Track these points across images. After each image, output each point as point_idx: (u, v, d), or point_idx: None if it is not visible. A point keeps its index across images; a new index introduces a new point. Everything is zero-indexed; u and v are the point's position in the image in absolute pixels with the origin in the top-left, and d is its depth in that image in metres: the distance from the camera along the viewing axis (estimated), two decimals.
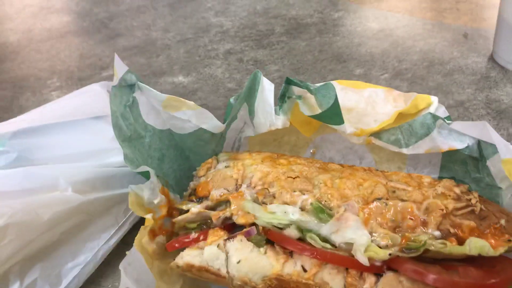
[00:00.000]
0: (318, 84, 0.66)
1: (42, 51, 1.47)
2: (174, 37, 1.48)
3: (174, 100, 0.70)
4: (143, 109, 0.72)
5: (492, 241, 0.55)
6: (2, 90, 1.29)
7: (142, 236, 0.65)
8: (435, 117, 0.66)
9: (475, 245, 0.53)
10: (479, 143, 0.66)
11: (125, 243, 0.76)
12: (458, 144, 0.67)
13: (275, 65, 1.27)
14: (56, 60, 1.42)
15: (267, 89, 0.73)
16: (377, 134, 0.72)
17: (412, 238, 0.56)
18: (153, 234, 0.70)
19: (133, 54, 1.41)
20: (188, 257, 0.62)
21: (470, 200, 0.61)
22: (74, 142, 0.74)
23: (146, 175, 0.66)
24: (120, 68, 0.67)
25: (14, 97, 1.25)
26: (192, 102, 0.69)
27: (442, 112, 0.71)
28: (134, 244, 0.63)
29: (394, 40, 1.35)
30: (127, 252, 0.61)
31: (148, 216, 0.66)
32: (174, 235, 0.73)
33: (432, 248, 0.55)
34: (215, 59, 1.33)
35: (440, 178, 0.73)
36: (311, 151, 0.87)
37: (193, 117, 0.72)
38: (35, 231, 0.63)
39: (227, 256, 0.60)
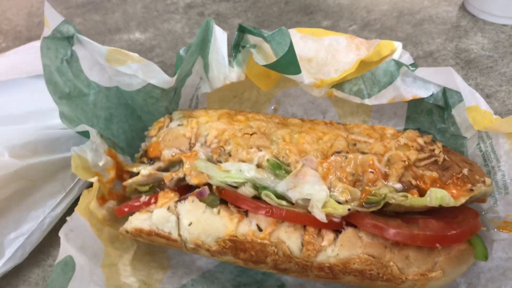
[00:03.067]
0: (272, 32, 0.61)
1: None
2: None
3: (117, 52, 0.64)
4: (85, 64, 0.65)
5: (454, 191, 0.53)
6: None
7: (87, 201, 0.61)
8: (398, 64, 0.62)
9: (436, 196, 0.50)
10: (444, 91, 0.63)
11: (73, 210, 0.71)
12: (423, 92, 0.64)
13: (239, 18, 1.20)
14: (2, 19, 1.31)
15: (219, 38, 0.67)
16: (339, 85, 0.67)
17: (373, 192, 0.53)
18: (102, 199, 0.66)
19: (87, 11, 1.31)
20: (137, 221, 0.58)
21: (433, 150, 0.58)
22: (11, 102, 0.68)
23: (87, 135, 0.60)
24: (52, 18, 0.60)
25: None
26: (136, 54, 0.63)
27: (407, 58, 0.67)
28: (75, 209, 0.58)
29: None
30: (67, 218, 0.56)
31: (93, 180, 0.61)
32: (126, 199, 0.69)
33: (392, 201, 0.52)
34: (174, 13, 1.25)
35: (406, 129, 0.69)
36: (273, 107, 0.82)
37: (139, 71, 0.66)
38: None
39: (178, 218, 0.57)
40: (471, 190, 0.52)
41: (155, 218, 0.57)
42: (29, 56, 0.78)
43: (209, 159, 0.61)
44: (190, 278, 0.63)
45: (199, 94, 0.78)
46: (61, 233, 0.54)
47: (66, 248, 0.54)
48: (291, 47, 0.58)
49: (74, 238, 0.56)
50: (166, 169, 0.64)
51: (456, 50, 1.02)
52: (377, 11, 1.19)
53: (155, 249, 0.66)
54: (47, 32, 0.60)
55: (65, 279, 0.53)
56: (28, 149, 0.64)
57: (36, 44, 0.82)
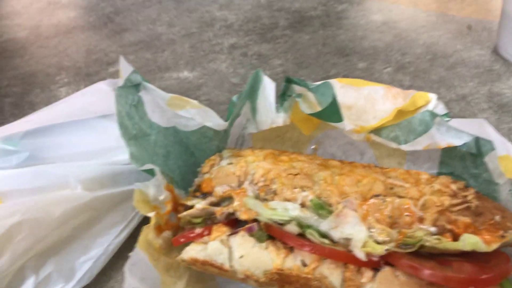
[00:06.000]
0: (317, 83, 0.68)
1: (49, 47, 1.50)
2: (179, 31, 1.49)
3: (178, 99, 0.72)
4: (148, 107, 0.74)
5: (486, 236, 0.57)
6: (13, 86, 1.32)
7: (146, 235, 0.68)
8: (433, 115, 0.67)
9: (469, 241, 0.55)
10: (477, 139, 0.68)
11: (134, 236, 0.78)
12: (456, 141, 0.69)
13: (279, 59, 1.28)
14: (63, 56, 1.44)
15: (268, 87, 0.75)
16: (376, 131, 0.73)
17: (409, 234, 0.58)
18: (159, 229, 0.73)
19: (139, 49, 1.43)
20: (193, 251, 0.65)
21: (466, 196, 0.62)
22: (81, 141, 0.76)
23: (151, 173, 0.68)
24: (125, 69, 0.69)
25: (24, 93, 1.28)
26: (195, 101, 0.71)
27: (441, 109, 0.72)
28: (136, 245, 0.65)
29: (398, 33, 1.36)
30: (130, 254, 0.63)
31: (151, 215, 0.68)
32: (179, 230, 0.76)
33: (427, 243, 0.57)
34: (219, 53, 1.34)
35: (439, 173, 0.74)
36: (313, 147, 0.88)
37: (196, 115, 0.74)
38: (47, 227, 0.66)
39: (230, 251, 0.63)
40: (503, 236, 0.56)
41: (210, 249, 0.63)
42: (94, 98, 0.88)
43: (257, 197, 0.67)
44: None
45: (245, 133, 0.85)
46: (125, 268, 0.60)
47: (129, 282, 0.61)
48: (334, 99, 0.64)
49: (136, 272, 0.62)
50: (217, 204, 0.71)
51: (489, 94, 1.06)
52: (411, 54, 1.25)
53: (205, 277, 0.73)
54: (120, 82, 0.69)
55: None
56: (96, 182, 0.73)
57: (100, 86, 0.93)
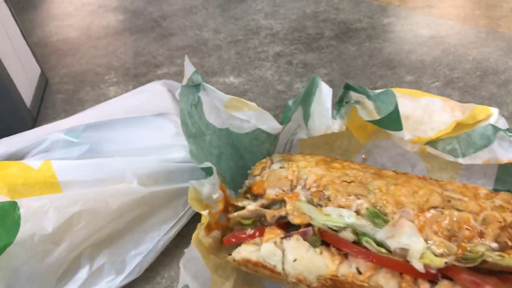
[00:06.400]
0: (377, 91, 0.68)
1: (99, 48, 1.55)
2: (225, 38, 1.52)
3: (236, 100, 0.73)
4: (206, 108, 0.76)
5: None
6: (64, 83, 1.37)
7: (199, 232, 0.69)
8: (496, 129, 0.66)
9: None
10: None
11: (182, 235, 0.79)
12: None
13: (324, 68, 1.28)
14: (113, 57, 1.49)
15: (325, 93, 0.75)
16: (432, 143, 0.72)
17: (469, 248, 0.57)
18: (209, 228, 0.73)
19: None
20: (245, 252, 0.65)
21: None
22: (139, 137, 0.78)
23: (207, 171, 0.69)
24: (188, 68, 0.71)
25: (75, 90, 1.33)
26: (254, 104, 0.72)
27: (502, 124, 0.71)
28: (192, 241, 0.66)
29: (446, 48, 1.34)
30: (185, 250, 0.64)
31: (205, 213, 0.69)
32: (228, 230, 0.76)
33: (490, 259, 0.55)
34: (265, 61, 1.36)
35: (495, 190, 0.72)
36: (363, 156, 0.88)
37: (253, 118, 0.75)
38: (104, 218, 0.67)
39: (283, 254, 0.63)
40: None
41: (263, 251, 0.63)
42: (150, 96, 0.90)
43: (310, 202, 0.67)
44: None
45: (294, 139, 0.85)
46: (181, 264, 0.62)
47: (184, 278, 0.62)
48: (396, 107, 0.64)
49: (189, 268, 0.63)
50: (267, 206, 0.71)
51: None
52: (460, 69, 1.23)
53: (252, 280, 0.73)
54: (184, 81, 0.70)
55: None
56: (151, 178, 0.74)
57: (156, 85, 0.95)
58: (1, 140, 0.76)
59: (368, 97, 0.67)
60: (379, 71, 1.25)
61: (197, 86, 0.73)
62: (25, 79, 1.18)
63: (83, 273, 0.68)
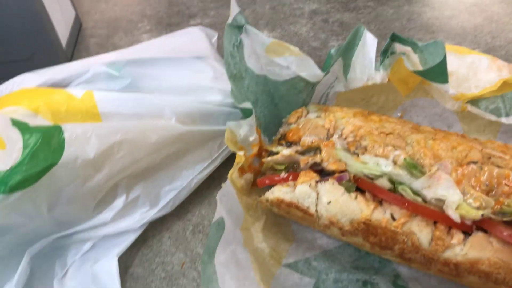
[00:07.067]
0: (425, 43, 0.66)
1: None
2: None
3: (279, 44, 0.72)
4: (247, 51, 0.75)
5: None
6: (98, 28, 1.37)
7: (234, 170, 0.70)
8: None
9: None
10: None
11: (213, 177, 0.81)
12: None
13: None
14: (146, 5, 1.48)
15: (369, 43, 0.73)
16: (474, 101, 0.71)
17: (506, 203, 0.57)
18: (242, 171, 0.74)
19: (220, 6, 1.44)
20: (279, 192, 0.66)
21: None
22: (178, 76, 0.79)
23: (246, 113, 0.69)
24: (234, 8, 0.70)
25: (109, 35, 1.33)
26: (296, 48, 0.71)
27: None
28: (228, 177, 0.67)
29: (489, 15, 1.29)
30: (222, 185, 0.65)
31: (241, 153, 0.70)
32: (261, 174, 0.77)
33: None
34: (300, 17, 1.33)
35: None
36: (399, 114, 0.87)
37: (293, 64, 0.74)
38: (143, 150, 0.69)
39: (317, 196, 0.64)
40: None
41: (297, 192, 0.64)
42: (189, 39, 0.90)
43: (346, 150, 0.67)
44: (313, 253, 0.70)
45: (330, 92, 0.85)
46: (217, 197, 0.63)
47: (220, 210, 0.63)
48: (444, 58, 0.63)
49: (225, 202, 0.65)
50: (301, 153, 0.72)
51: None
52: (502, 38, 1.19)
53: (281, 222, 0.74)
54: (230, 19, 0.70)
55: (218, 236, 0.62)
56: (189, 117, 0.75)
57: (194, 30, 0.95)
58: (45, 69, 0.77)
59: (416, 47, 0.66)
60: (417, 35, 1.22)
61: (239, 28, 0.72)
62: (61, 20, 1.19)
63: (119, 202, 0.70)
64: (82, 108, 0.68)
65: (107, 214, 0.69)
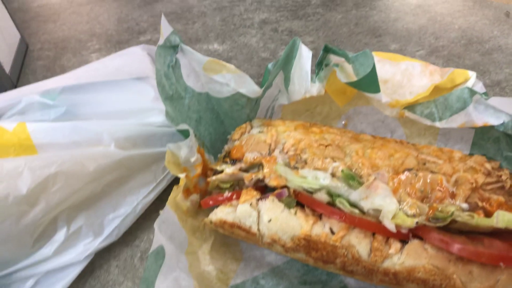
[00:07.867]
0: (356, 53, 0.67)
1: (82, 14, 1.51)
2: (210, 4, 1.49)
3: (215, 63, 0.72)
4: (184, 71, 0.74)
5: None
6: (45, 50, 1.34)
7: (176, 195, 0.69)
8: (472, 92, 0.66)
9: (503, 218, 0.54)
10: None
11: (161, 200, 0.80)
12: (494, 120, 0.67)
13: (310, 36, 1.27)
14: (95, 24, 1.45)
15: (304, 56, 0.74)
16: (411, 107, 0.72)
17: (440, 209, 0.58)
18: (187, 192, 0.74)
19: (170, 20, 1.43)
20: (222, 213, 0.66)
21: (500, 176, 0.61)
22: (117, 100, 0.77)
23: (185, 134, 0.69)
24: (165, 29, 0.70)
25: (56, 57, 1.30)
26: (232, 66, 0.71)
27: (479, 87, 0.71)
28: (167, 203, 0.66)
29: (432, 16, 1.33)
30: (160, 212, 0.64)
31: (182, 176, 0.69)
32: (207, 194, 0.77)
33: (459, 219, 0.56)
34: (250, 28, 1.34)
35: (472, 154, 0.73)
36: (343, 122, 0.88)
37: (231, 81, 0.74)
38: (81, 180, 0.67)
39: (259, 214, 0.64)
40: None
41: (238, 212, 0.64)
42: (129, 60, 0.89)
43: (286, 165, 0.68)
44: (261, 271, 0.70)
45: (275, 105, 0.85)
46: (155, 225, 0.62)
47: (158, 238, 0.62)
48: (373, 68, 0.64)
49: (165, 229, 0.63)
50: (246, 170, 0.71)
51: None
52: (445, 38, 1.22)
53: (229, 242, 0.74)
54: (161, 41, 0.69)
55: (157, 266, 0.61)
56: (129, 142, 0.74)
57: (135, 49, 0.93)
58: None
59: (347, 59, 0.67)
60: (365, 39, 1.24)
61: (174, 47, 0.72)
62: (3, 45, 1.16)
63: (60, 235, 0.68)
64: (15, 141, 0.66)
65: (47, 248, 0.67)
